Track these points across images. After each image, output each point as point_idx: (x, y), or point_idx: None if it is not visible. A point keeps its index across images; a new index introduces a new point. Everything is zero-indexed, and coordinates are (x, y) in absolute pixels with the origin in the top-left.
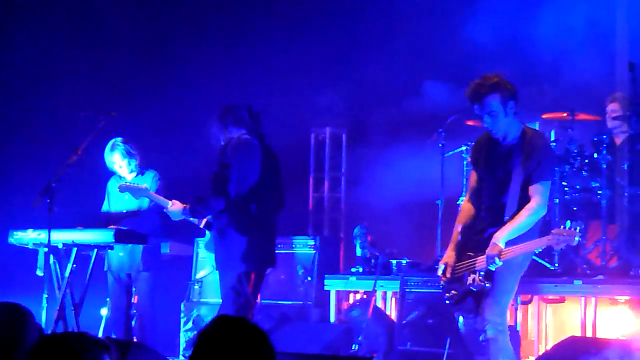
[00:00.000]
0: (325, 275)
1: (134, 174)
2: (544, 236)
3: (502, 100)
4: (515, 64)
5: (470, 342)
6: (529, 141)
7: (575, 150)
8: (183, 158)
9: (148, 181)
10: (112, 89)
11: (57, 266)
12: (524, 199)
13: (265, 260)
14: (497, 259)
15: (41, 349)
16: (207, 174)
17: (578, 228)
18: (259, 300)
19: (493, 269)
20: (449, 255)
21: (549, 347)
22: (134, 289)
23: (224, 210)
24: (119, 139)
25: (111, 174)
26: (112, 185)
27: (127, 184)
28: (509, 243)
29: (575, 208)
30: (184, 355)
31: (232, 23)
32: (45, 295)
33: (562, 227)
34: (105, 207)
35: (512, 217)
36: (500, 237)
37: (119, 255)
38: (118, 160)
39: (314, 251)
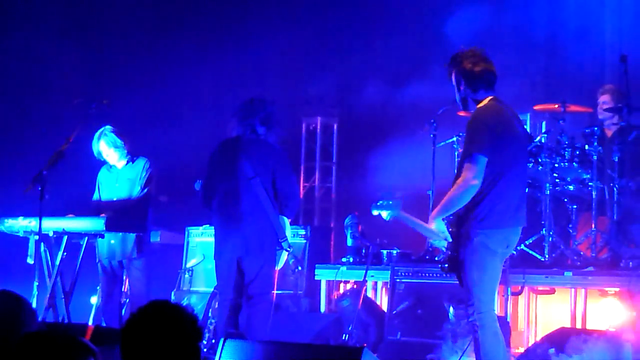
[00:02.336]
0: (316, 265)
1: (124, 161)
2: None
3: (455, 77)
4: (508, 55)
5: (460, 332)
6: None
7: (566, 142)
8: (175, 146)
9: (139, 169)
10: (104, 77)
11: (48, 254)
12: None
13: None
14: (435, 239)
15: (27, 348)
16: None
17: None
18: None
19: (438, 246)
20: None
21: (538, 338)
22: (124, 277)
23: None
24: (108, 127)
25: (102, 163)
26: (103, 176)
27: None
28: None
29: (565, 199)
30: None
31: (224, 13)
32: (35, 283)
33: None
34: (95, 197)
35: None
36: (432, 215)
37: (110, 243)
38: (105, 149)
39: (305, 241)
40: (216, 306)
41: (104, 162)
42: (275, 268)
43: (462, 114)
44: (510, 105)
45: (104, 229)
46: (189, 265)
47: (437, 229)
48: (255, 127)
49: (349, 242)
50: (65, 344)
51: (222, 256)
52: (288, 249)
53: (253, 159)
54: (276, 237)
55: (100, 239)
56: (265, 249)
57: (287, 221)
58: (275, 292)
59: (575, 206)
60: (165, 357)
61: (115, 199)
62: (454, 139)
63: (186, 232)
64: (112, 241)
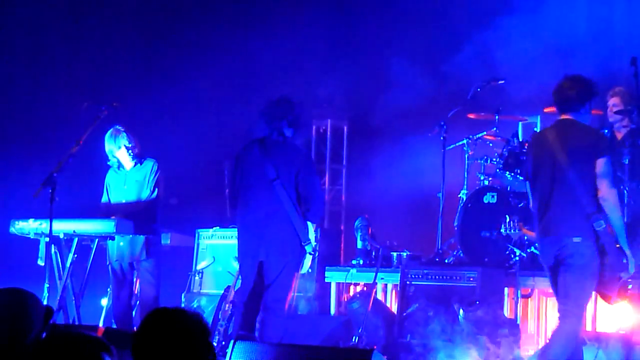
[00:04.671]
0: (326, 267)
1: (132, 163)
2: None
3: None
4: (518, 58)
5: (472, 334)
6: None
7: None
8: (185, 147)
9: (147, 170)
10: (114, 79)
11: (58, 256)
12: None
13: None
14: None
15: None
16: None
17: None
18: None
19: None
20: None
21: (548, 341)
22: (134, 279)
23: None
24: (119, 127)
25: (109, 166)
26: (111, 177)
27: None
28: None
29: None
30: None
31: (233, 14)
32: (46, 285)
33: None
34: (104, 199)
35: None
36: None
37: (119, 245)
38: (114, 148)
39: (315, 243)
40: (226, 308)
41: (112, 164)
42: (298, 272)
43: (472, 116)
44: None
45: (115, 231)
46: (199, 267)
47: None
48: (282, 129)
49: (359, 244)
50: (82, 342)
51: (245, 259)
52: (311, 253)
53: (277, 161)
54: (299, 240)
55: (110, 241)
56: (288, 253)
57: (310, 225)
58: (294, 295)
59: None
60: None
61: (124, 201)
62: (464, 141)
63: (196, 235)
64: (121, 243)
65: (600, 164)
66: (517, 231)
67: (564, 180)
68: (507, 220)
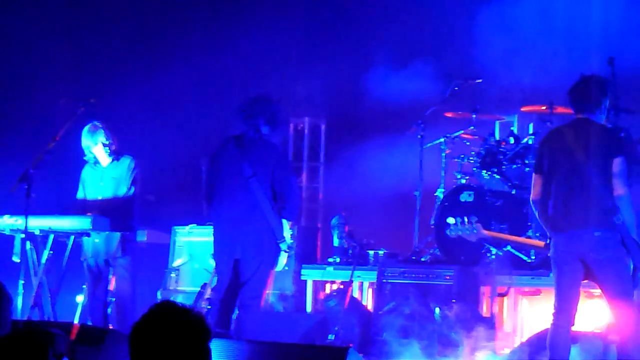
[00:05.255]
0: (302, 265)
1: (109, 159)
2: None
3: None
4: (495, 57)
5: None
6: None
7: None
8: (162, 145)
9: (124, 167)
10: (91, 76)
11: (34, 252)
12: None
13: None
14: None
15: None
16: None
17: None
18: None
19: None
20: None
21: (524, 339)
22: (110, 276)
23: None
24: (97, 122)
25: (86, 162)
26: (87, 174)
27: None
28: None
29: None
30: None
31: (212, 12)
32: (21, 282)
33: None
34: (80, 195)
35: None
36: None
37: (94, 241)
38: (91, 144)
39: (292, 241)
40: (203, 306)
41: (89, 160)
42: (273, 270)
43: (449, 115)
44: None
45: (91, 227)
46: (175, 264)
47: None
48: (259, 126)
49: (336, 242)
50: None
51: (220, 256)
52: (287, 251)
53: (253, 159)
54: (275, 238)
55: (86, 237)
56: (263, 251)
57: (285, 223)
58: (269, 292)
59: None
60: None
61: (100, 198)
62: (441, 139)
63: (172, 232)
64: (97, 240)
65: (617, 164)
66: (474, 232)
67: (584, 176)
68: (465, 220)
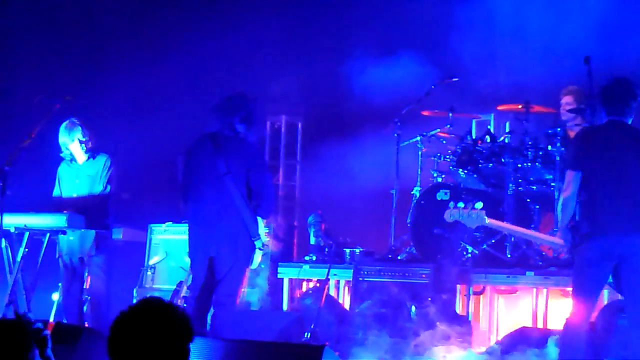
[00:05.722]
0: (279, 263)
1: (85, 157)
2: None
3: None
4: (472, 56)
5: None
6: None
7: (530, 142)
8: (138, 143)
9: (100, 165)
10: (67, 74)
11: (9, 250)
12: None
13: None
14: None
15: None
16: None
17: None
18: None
19: None
20: None
21: (500, 338)
22: (86, 274)
23: None
24: (75, 119)
25: (62, 158)
26: (63, 171)
27: None
28: None
29: (528, 200)
30: None
31: (188, 9)
32: None
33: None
34: (56, 192)
35: None
36: None
37: (69, 239)
38: (68, 141)
39: (268, 239)
40: (179, 304)
41: (64, 157)
42: (249, 268)
43: (426, 113)
44: None
45: (66, 225)
46: (151, 262)
47: None
48: (234, 124)
49: (312, 240)
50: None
51: (196, 254)
52: (261, 249)
53: (227, 156)
54: (249, 236)
55: (61, 235)
56: (238, 249)
57: (261, 221)
58: (244, 290)
59: (537, 206)
60: (154, 354)
61: (75, 195)
62: (418, 138)
63: (149, 230)
64: (71, 237)
65: None
66: (476, 219)
67: (627, 179)
68: (469, 206)
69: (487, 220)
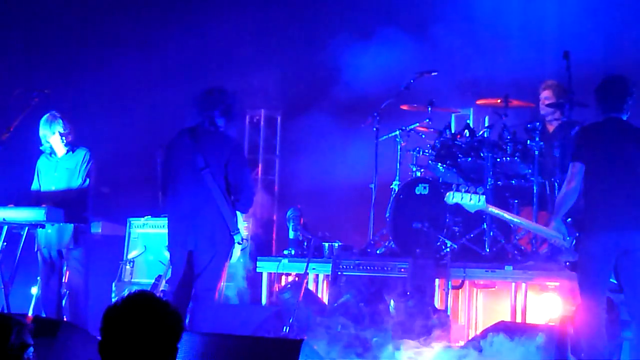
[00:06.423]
0: (258, 257)
1: (65, 150)
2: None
3: None
4: (451, 50)
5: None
6: None
7: (509, 137)
8: (117, 136)
9: (79, 159)
10: (45, 66)
11: None
12: None
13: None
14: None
15: None
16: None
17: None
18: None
19: None
20: None
21: (479, 332)
22: (64, 268)
23: None
24: (56, 112)
25: (42, 152)
26: (42, 164)
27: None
28: None
29: (507, 194)
30: None
31: (167, 4)
32: None
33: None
34: (35, 186)
35: None
36: None
37: (47, 232)
38: (48, 133)
39: (247, 233)
40: None
41: (44, 150)
42: (227, 262)
43: (405, 107)
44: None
45: (45, 219)
46: (130, 256)
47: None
48: (214, 118)
49: (291, 234)
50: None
51: (174, 248)
52: (240, 243)
53: (205, 151)
54: (228, 230)
55: (40, 229)
56: (217, 243)
57: (239, 215)
58: (223, 285)
59: (516, 201)
60: (144, 349)
61: (54, 189)
62: (397, 132)
63: (128, 223)
64: (49, 230)
65: None
66: (477, 203)
67: (630, 174)
68: (471, 189)
69: (487, 206)
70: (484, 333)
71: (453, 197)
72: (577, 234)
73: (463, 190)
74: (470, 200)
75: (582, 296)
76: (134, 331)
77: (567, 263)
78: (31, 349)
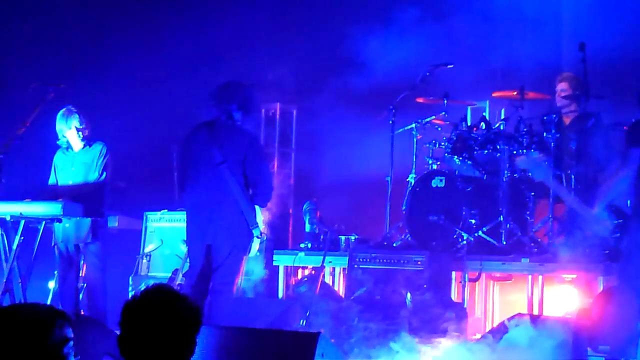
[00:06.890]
0: (274, 251)
1: (81, 145)
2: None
3: None
4: (467, 42)
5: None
6: None
7: (525, 129)
8: (134, 131)
9: (95, 153)
10: (62, 61)
11: (5, 238)
12: None
13: None
14: None
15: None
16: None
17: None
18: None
19: None
20: None
21: (495, 325)
22: (81, 262)
23: None
24: (72, 107)
25: (58, 147)
26: (59, 158)
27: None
28: None
29: (523, 186)
30: None
31: None
32: None
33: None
34: (52, 180)
35: None
36: None
37: (65, 226)
38: (65, 128)
39: (263, 226)
40: None
41: (60, 145)
42: (246, 255)
43: (420, 100)
44: None
45: (62, 213)
46: (146, 250)
47: None
48: (231, 112)
49: (307, 228)
50: (46, 312)
51: (193, 242)
52: (259, 237)
53: (223, 145)
54: (247, 224)
55: (57, 223)
56: (235, 236)
57: (258, 209)
58: (241, 279)
59: (532, 193)
60: (163, 343)
61: (71, 183)
62: (413, 125)
63: (144, 217)
64: (67, 225)
65: None
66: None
67: None
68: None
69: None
70: (501, 326)
71: (522, 163)
72: (618, 221)
73: (534, 156)
74: (539, 168)
75: (621, 286)
76: (153, 325)
77: (607, 252)
78: (71, 342)
